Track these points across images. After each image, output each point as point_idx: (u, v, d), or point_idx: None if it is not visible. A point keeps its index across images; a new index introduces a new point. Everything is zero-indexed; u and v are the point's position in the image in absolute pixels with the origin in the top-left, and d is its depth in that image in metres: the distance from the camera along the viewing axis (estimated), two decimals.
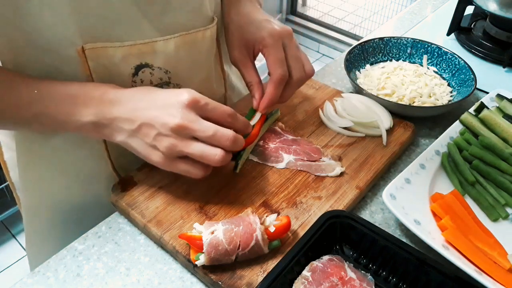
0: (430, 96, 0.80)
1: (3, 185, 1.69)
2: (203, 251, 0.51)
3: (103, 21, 0.56)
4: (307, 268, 0.51)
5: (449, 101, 0.81)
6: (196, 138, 0.54)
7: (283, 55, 0.64)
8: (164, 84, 0.64)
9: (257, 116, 0.67)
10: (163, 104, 0.54)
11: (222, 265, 0.52)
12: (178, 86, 0.66)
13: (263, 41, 0.64)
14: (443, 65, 0.87)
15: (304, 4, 3.25)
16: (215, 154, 0.53)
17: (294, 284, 0.50)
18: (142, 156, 0.57)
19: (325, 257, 0.52)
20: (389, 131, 0.73)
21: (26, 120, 0.57)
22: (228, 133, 0.54)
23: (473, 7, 1.05)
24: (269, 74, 0.66)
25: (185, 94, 0.54)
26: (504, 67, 0.95)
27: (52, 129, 0.61)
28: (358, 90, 0.80)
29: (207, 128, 0.53)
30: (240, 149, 0.58)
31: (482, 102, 0.75)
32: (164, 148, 0.54)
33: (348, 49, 0.88)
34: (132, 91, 0.57)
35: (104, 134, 0.57)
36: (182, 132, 0.53)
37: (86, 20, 0.55)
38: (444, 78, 0.86)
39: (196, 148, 0.54)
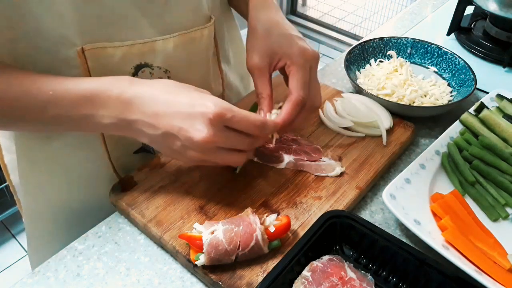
0: (426, 94, 0.80)
1: (3, 185, 1.69)
2: (203, 251, 0.51)
3: (104, 21, 0.56)
4: (307, 268, 0.51)
5: (449, 101, 0.81)
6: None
7: (308, 78, 0.61)
8: None
9: None
10: (188, 115, 0.51)
11: (222, 265, 0.52)
12: None
13: (293, 58, 0.61)
14: (443, 65, 0.87)
15: (304, 4, 3.25)
16: (236, 161, 0.55)
17: (294, 284, 0.50)
18: (167, 156, 0.60)
19: (325, 257, 0.52)
20: (389, 131, 0.73)
21: (45, 122, 0.55)
22: (249, 142, 0.55)
23: (473, 7, 1.05)
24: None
25: (211, 106, 0.51)
26: (504, 67, 0.95)
27: (72, 129, 0.58)
28: (358, 90, 0.80)
29: (231, 141, 0.53)
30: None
31: (482, 102, 0.75)
32: (189, 157, 0.53)
33: (348, 49, 0.88)
34: (151, 88, 0.54)
35: (128, 134, 0.55)
36: (207, 146, 0.52)
37: (87, 21, 0.55)
38: (444, 78, 0.86)
39: (219, 158, 0.54)
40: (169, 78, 0.64)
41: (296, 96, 0.60)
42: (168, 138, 0.52)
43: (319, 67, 0.72)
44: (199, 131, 0.50)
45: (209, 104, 0.51)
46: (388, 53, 0.89)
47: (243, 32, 0.71)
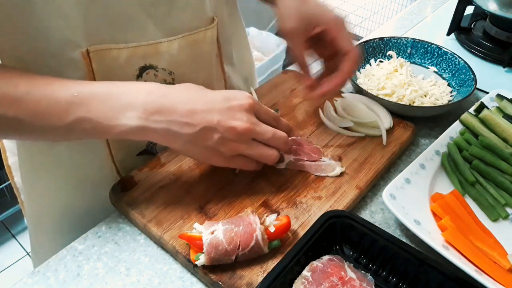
0: (426, 94, 0.80)
1: (3, 185, 1.69)
2: (203, 251, 0.51)
3: (109, 23, 0.56)
4: (307, 268, 0.51)
5: (449, 101, 0.81)
6: (253, 139, 0.56)
7: (350, 38, 0.67)
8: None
9: None
10: (225, 108, 0.54)
11: (222, 265, 0.52)
12: None
13: (332, 24, 0.66)
14: (443, 65, 0.87)
15: None
16: (271, 155, 0.58)
17: (294, 284, 0.50)
18: (198, 158, 0.60)
19: (325, 257, 0.52)
20: (389, 131, 0.73)
21: (67, 127, 0.51)
22: (283, 135, 0.58)
23: (473, 7, 1.05)
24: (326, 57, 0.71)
25: (243, 98, 0.56)
26: (504, 67, 0.95)
27: (95, 134, 0.54)
28: (358, 90, 0.80)
29: (267, 131, 0.57)
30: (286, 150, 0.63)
31: (482, 102, 0.75)
32: (227, 150, 0.55)
33: None
34: (180, 90, 0.55)
35: (150, 138, 0.54)
36: (245, 135, 0.55)
37: (92, 23, 0.54)
38: (444, 78, 0.86)
39: (256, 150, 0.57)
40: (173, 79, 0.65)
41: (353, 52, 0.65)
42: (206, 133, 0.54)
43: (320, 67, 0.73)
44: (240, 120, 0.54)
45: (241, 96, 0.56)
46: (388, 53, 0.89)
47: (249, 31, 0.72)
